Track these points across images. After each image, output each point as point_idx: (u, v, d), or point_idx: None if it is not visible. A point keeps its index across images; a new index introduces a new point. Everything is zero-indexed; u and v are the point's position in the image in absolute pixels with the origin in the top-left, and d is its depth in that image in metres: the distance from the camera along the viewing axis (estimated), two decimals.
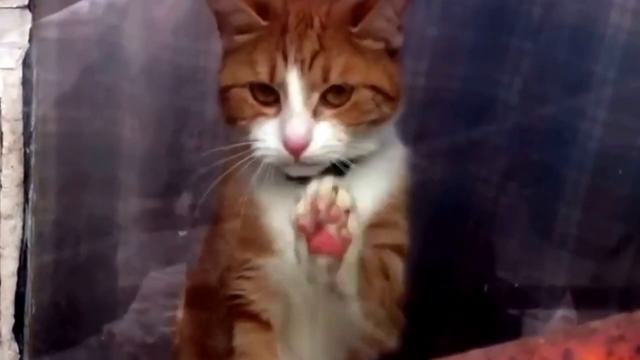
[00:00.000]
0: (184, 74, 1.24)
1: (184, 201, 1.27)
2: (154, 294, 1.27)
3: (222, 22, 0.91)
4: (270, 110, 0.87)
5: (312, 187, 0.79)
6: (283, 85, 0.86)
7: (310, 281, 0.85)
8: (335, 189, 0.79)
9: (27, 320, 1.10)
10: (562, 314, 1.28)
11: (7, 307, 1.08)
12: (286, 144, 0.85)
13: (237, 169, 0.92)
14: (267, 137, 0.87)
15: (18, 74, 1.05)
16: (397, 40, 0.92)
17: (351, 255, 0.82)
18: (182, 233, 1.26)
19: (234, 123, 0.90)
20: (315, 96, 0.86)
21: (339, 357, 0.96)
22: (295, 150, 0.85)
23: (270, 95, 0.87)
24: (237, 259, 0.94)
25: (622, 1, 1.16)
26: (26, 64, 1.05)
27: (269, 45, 0.87)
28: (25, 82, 1.05)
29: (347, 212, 0.79)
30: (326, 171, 0.88)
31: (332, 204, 0.78)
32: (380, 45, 0.91)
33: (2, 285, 1.08)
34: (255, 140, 0.87)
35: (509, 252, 1.32)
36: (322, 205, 0.78)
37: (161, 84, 1.24)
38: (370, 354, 0.96)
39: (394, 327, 0.94)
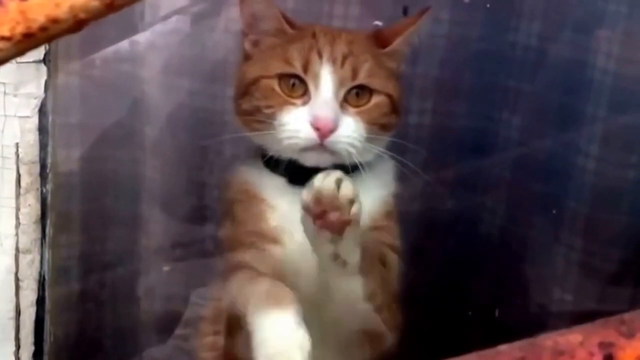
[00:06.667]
0: (202, 115, 1.30)
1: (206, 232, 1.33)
2: (195, 320, 1.30)
3: (251, 25, 0.99)
4: (297, 100, 0.94)
5: (319, 177, 0.82)
6: (316, 78, 0.93)
7: (315, 251, 0.88)
8: (339, 181, 0.82)
9: (46, 347, 1.16)
10: None
11: (27, 335, 1.14)
12: (316, 123, 0.91)
13: (242, 172, 1.00)
14: (296, 120, 0.92)
15: (34, 121, 1.11)
16: (403, 65, 1.04)
17: (352, 232, 0.84)
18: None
19: (256, 116, 0.95)
20: (343, 91, 0.94)
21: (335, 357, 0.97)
22: (324, 131, 0.91)
23: (298, 89, 0.94)
24: (242, 242, 0.97)
25: (607, 48, 1.20)
26: (42, 111, 1.11)
27: (303, 45, 0.96)
28: (42, 128, 1.11)
29: (351, 201, 0.82)
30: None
31: (335, 195, 0.81)
32: (395, 65, 1.02)
33: (22, 315, 1.14)
34: (283, 124, 0.93)
35: (517, 278, 1.35)
36: (325, 196, 0.81)
37: (181, 125, 1.31)
38: (368, 354, 0.97)
39: (392, 319, 0.96)
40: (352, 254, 0.87)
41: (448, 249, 1.37)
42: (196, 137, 1.31)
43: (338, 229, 0.83)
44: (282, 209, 0.97)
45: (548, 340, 0.55)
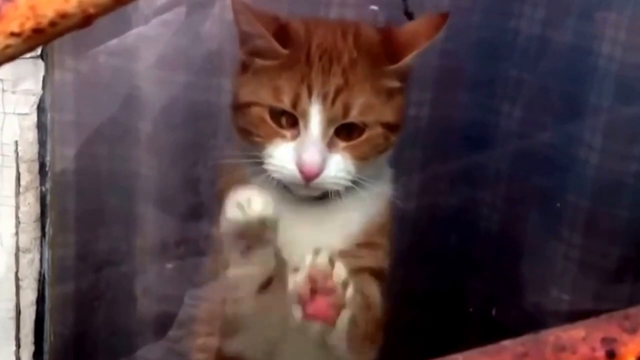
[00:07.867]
0: (198, 109, 1.27)
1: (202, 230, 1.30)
2: (188, 321, 1.28)
3: (246, 41, 0.95)
4: (287, 133, 0.91)
5: (310, 259, 0.80)
6: (304, 115, 0.90)
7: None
8: (332, 262, 0.80)
9: (46, 346, 1.16)
10: None
11: (27, 334, 1.14)
12: (301, 168, 0.89)
13: (240, 173, 0.97)
14: (283, 157, 0.91)
15: (33, 118, 1.09)
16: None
17: (345, 319, 0.83)
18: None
19: (249, 137, 0.94)
20: (332, 129, 0.91)
21: None
22: (309, 176, 0.89)
23: (289, 120, 0.91)
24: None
25: (613, 34, 1.16)
26: (40, 108, 1.10)
27: (294, 76, 0.91)
28: (40, 126, 1.10)
29: (345, 283, 0.80)
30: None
31: (328, 276, 0.79)
32: (399, 84, 0.95)
33: (21, 314, 1.13)
34: (270, 158, 0.92)
35: (515, 276, 1.33)
36: (319, 278, 0.79)
37: (176, 119, 1.28)
38: None
39: (371, 349, 0.95)
40: (342, 342, 0.87)
41: (447, 244, 1.35)
42: (202, 131, 1.28)
43: (330, 319, 0.81)
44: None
45: (550, 335, 0.54)
